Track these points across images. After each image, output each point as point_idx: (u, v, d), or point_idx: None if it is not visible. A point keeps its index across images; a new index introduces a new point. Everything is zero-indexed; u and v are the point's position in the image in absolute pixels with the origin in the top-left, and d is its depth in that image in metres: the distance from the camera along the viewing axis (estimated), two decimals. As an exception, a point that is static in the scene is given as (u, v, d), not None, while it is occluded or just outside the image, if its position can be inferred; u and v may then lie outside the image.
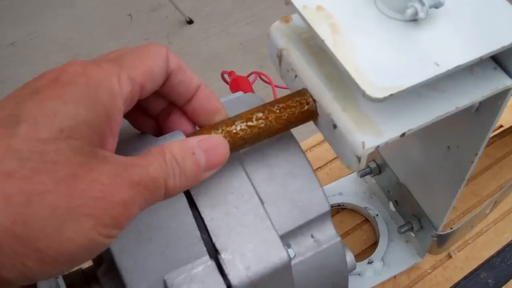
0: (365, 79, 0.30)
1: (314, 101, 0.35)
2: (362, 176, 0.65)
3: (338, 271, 0.39)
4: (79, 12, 2.24)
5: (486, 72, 0.36)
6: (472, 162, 0.43)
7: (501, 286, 0.61)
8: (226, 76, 0.67)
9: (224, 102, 0.40)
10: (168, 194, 0.28)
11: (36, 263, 0.23)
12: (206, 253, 0.33)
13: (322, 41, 0.32)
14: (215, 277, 0.33)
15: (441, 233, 0.55)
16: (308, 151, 0.74)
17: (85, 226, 0.24)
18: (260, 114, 0.34)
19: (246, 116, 0.34)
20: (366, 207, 0.65)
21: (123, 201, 0.25)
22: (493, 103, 0.37)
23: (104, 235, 0.24)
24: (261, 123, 0.34)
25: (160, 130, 0.35)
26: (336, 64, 0.32)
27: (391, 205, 0.63)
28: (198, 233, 0.33)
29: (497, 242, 0.64)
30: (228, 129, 0.33)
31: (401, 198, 0.60)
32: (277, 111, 0.34)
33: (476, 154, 0.42)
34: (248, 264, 0.33)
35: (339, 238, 0.38)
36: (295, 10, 0.33)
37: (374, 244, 0.64)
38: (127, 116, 0.33)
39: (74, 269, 0.33)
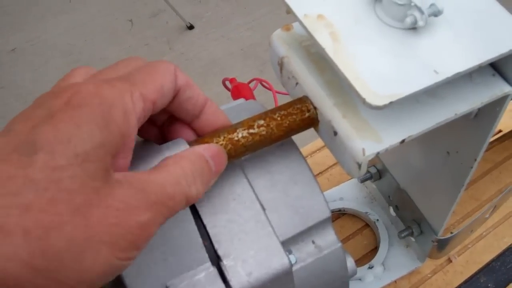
0: (365, 87, 0.30)
1: (315, 108, 0.36)
2: (362, 181, 0.66)
3: (339, 276, 0.40)
4: (80, 18, 2.25)
5: (485, 78, 0.36)
6: (472, 167, 0.43)
7: (501, 291, 0.61)
8: (227, 83, 0.67)
9: (225, 109, 0.41)
10: (189, 203, 0.29)
11: None
12: (208, 259, 0.33)
13: (323, 49, 0.32)
14: (217, 283, 0.33)
15: (441, 237, 0.55)
16: (309, 156, 0.74)
17: (103, 253, 0.24)
18: (261, 122, 0.34)
19: (247, 123, 0.34)
20: (366, 212, 0.66)
21: (139, 225, 0.25)
22: (492, 109, 0.38)
23: (123, 259, 0.25)
24: (263, 130, 0.34)
25: (163, 137, 0.35)
26: (336, 72, 0.32)
27: (391, 210, 0.63)
28: (200, 240, 0.33)
29: (496, 246, 0.64)
30: (229, 136, 0.33)
31: (401, 203, 0.60)
32: (278, 118, 0.35)
33: (476, 160, 0.42)
34: (250, 270, 0.34)
35: (340, 244, 0.38)
36: (296, 19, 0.34)
37: (375, 249, 0.64)
38: None
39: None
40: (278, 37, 0.38)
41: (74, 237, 0.23)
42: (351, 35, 0.33)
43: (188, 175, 0.28)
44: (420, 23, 0.32)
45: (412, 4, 0.32)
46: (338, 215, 0.68)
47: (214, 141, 0.33)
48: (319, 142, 0.75)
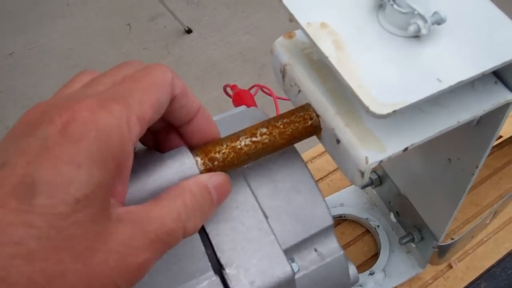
0: (369, 95, 0.30)
1: (318, 116, 0.36)
2: (363, 187, 0.66)
3: (341, 284, 0.40)
4: (78, 22, 2.25)
5: (487, 86, 0.36)
6: (473, 174, 0.43)
7: (502, 296, 0.61)
8: (228, 89, 0.67)
9: (227, 116, 0.41)
10: (186, 236, 0.29)
11: None
12: (211, 268, 0.33)
13: (326, 57, 0.32)
14: (220, 292, 0.33)
15: (442, 244, 0.55)
16: (309, 162, 0.74)
17: None
18: (264, 130, 0.34)
19: (250, 131, 0.34)
20: (367, 218, 0.66)
21: (138, 266, 0.25)
22: (494, 116, 0.38)
23: None
24: (265, 138, 0.34)
25: (158, 143, 0.35)
26: (339, 80, 0.32)
27: (392, 216, 0.63)
28: (203, 248, 0.33)
29: (497, 252, 0.64)
30: (232, 144, 0.33)
31: (402, 209, 0.60)
32: (281, 126, 0.35)
33: (477, 167, 0.42)
34: (253, 279, 0.33)
35: (342, 252, 0.38)
36: (299, 27, 0.34)
37: (375, 255, 0.64)
38: None
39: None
40: (281, 44, 0.38)
41: (76, 283, 0.23)
42: (354, 43, 0.33)
43: (188, 210, 0.28)
44: (423, 31, 0.32)
45: (415, 12, 0.32)
46: (339, 221, 0.67)
47: (217, 149, 0.33)
48: (319, 148, 0.75)
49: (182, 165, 0.32)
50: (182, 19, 2.15)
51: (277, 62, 0.38)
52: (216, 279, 0.33)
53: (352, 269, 0.41)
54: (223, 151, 0.33)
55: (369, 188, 0.66)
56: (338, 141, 0.34)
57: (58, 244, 0.23)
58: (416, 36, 0.33)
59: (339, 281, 0.39)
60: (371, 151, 0.33)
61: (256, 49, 2.09)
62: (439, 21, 0.33)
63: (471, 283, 0.62)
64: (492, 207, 0.68)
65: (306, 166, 0.38)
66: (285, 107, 0.37)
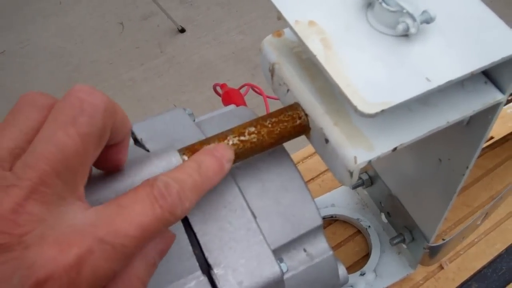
0: (357, 94, 0.30)
1: (306, 115, 0.35)
2: (354, 187, 0.66)
3: (330, 284, 0.39)
4: (71, 21, 2.24)
5: (477, 86, 0.36)
6: (463, 174, 0.43)
7: (493, 297, 0.61)
8: (218, 88, 0.67)
9: (216, 115, 0.40)
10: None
11: None
12: (199, 268, 0.33)
13: (314, 56, 0.32)
14: (208, 292, 0.33)
15: (433, 244, 0.55)
16: (300, 162, 0.74)
17: None
18: (252, 129, 0.34)
19: (238, 130, 0.34)
20: (358, 219, 0.65)
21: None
22: (484, 116, 0.38)
23: None
24: (254, 137, 0.34)
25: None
26: (328, 79, 0.32)
27: (383, 217, 0.63)
28: (190, 248, 0.33)
29: (488, 253, 0.64)
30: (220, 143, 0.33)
31: (393, 210, 0.60)
32: (269, 125, 0.34)
33: (467, 167, 0.42)
34: (241, 279, 0.33)
35: (331, 252, 0.38)
36: (287, 25, 0.33)
37: (366, 256, 0.64)
38: None
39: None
40: (269, 43, 0.38)
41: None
42: (343, 41, 0.33)
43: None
44: (412, 30, 0.32)
45: (404, 11, 0.32)
46: (330, 221, 0.67)
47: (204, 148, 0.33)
48: (310, 148, 0.75)
49: (169, 164, 0.32)
50: (175, 18, 2.15)
51: (266, 61, 0.38)
52: (204, 279, 0.33)
53: (342, 270, 0.41)
54: (211, 150, 0.33)
55: (360, 189, 0.66)
56: (326, 141, 0.34)
57: None
58: (405, 35, 0.33)
59: (328, 281, 0.39)
60: (360, 150, 0.33)
61: (250, 48, 2.09)
62: (428, 20, 0.32)
63: (462, 284, 0.62)
64: (483, 208, 0.68)
65: (295, 166, 0.38)
66: (276, 106, 0.37)
